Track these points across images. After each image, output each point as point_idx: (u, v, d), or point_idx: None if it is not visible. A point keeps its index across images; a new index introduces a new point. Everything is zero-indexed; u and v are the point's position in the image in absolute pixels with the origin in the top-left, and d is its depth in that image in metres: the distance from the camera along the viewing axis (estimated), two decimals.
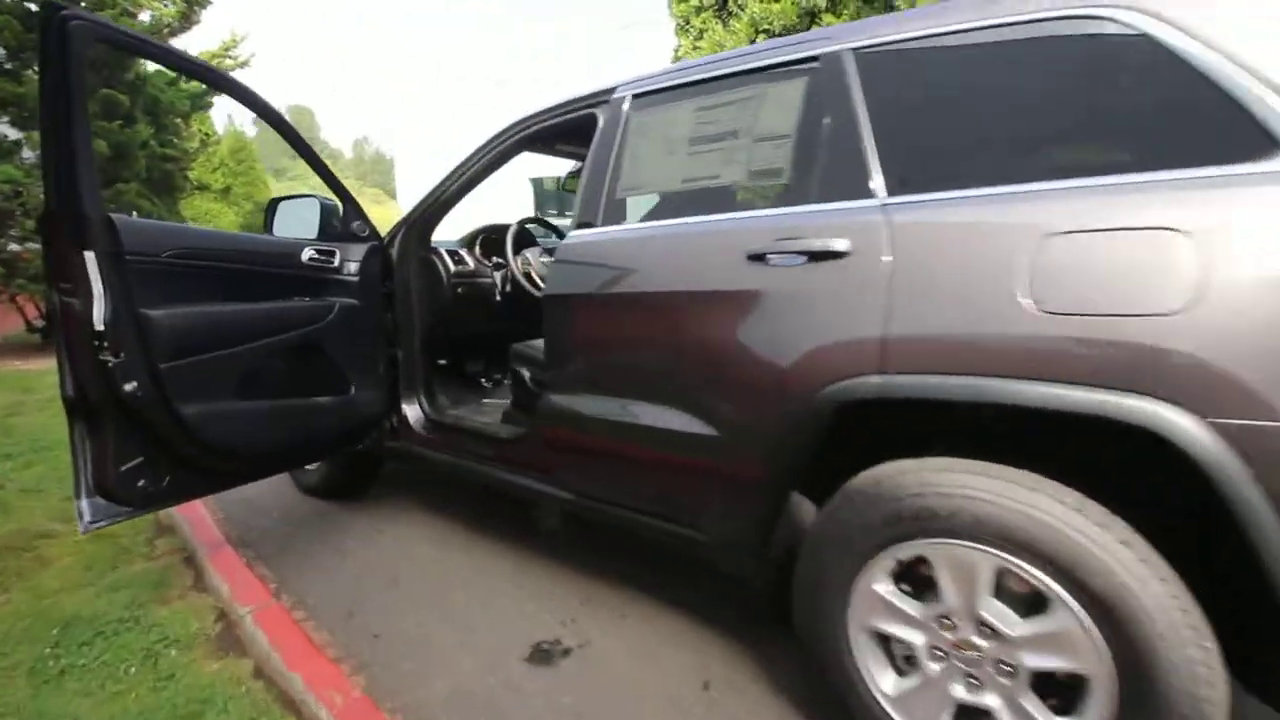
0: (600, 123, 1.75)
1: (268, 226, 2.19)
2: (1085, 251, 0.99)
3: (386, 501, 2.65)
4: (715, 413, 1.39)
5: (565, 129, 1.94)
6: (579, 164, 2.60)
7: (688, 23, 8.34)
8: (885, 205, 1.20)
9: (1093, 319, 0.97)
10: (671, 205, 1.58)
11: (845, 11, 6.93)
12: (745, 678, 1.57)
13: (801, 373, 1.24)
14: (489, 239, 2.63)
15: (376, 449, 2.36)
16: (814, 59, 1.38)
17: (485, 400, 2.69)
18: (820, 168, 1.33)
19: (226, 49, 8.54)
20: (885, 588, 1.22)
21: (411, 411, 2.32)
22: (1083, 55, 1.09)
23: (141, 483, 1.57)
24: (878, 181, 1.24)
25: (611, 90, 1.76)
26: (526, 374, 2.17)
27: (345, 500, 2.66)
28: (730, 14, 7.89)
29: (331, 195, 2.20)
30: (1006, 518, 1.06)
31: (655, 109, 1.65)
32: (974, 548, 1.10)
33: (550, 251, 2.62)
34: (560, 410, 1.70)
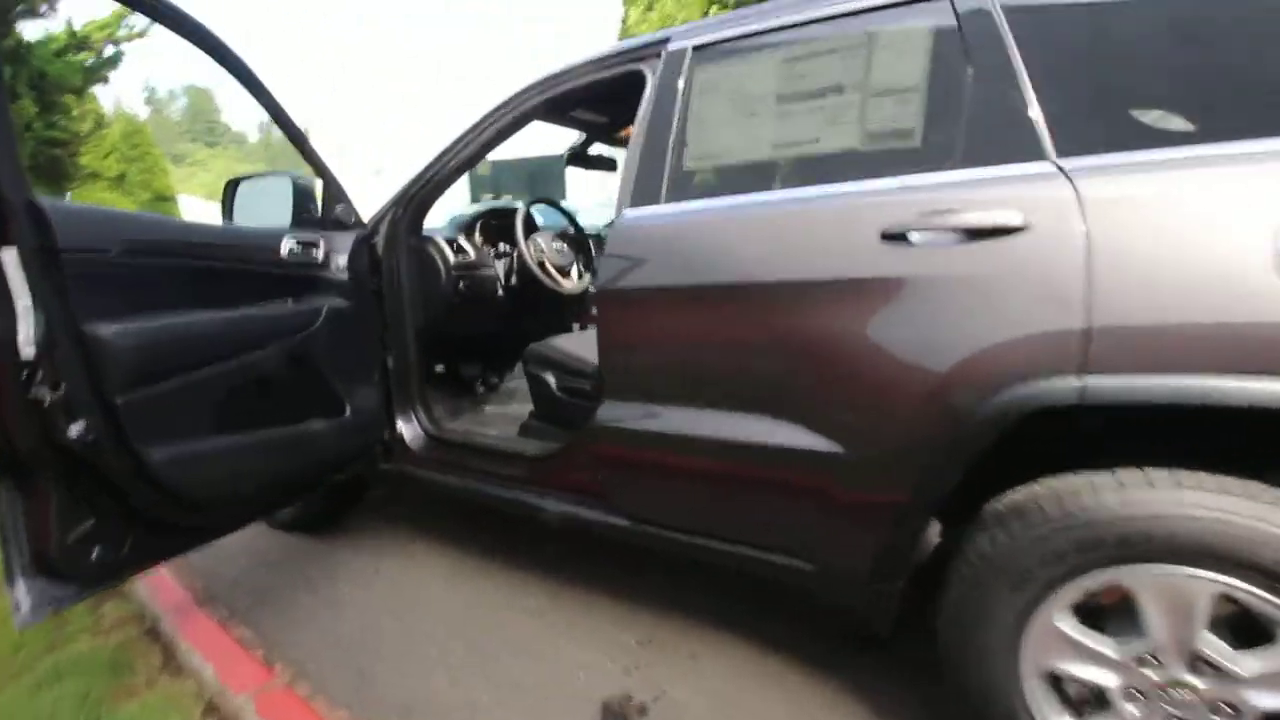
0: (652, 81, 1.47)
1: (227, 212, 1.79)
2: None
3: (376, 532, 2.30)
4: (839, 425, 1.17)
5: (596, 91, 1.66)
6: (584, 136, 2.30)
7: None
8: (1067, 169, 1.00)
9: None
10: (756, 175, 1.33)
11: None
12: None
13: (966, 375, 1.03)
14: (489, 224, 2.30)
15: (367, 474, 2.02)
16: None
17: (487, 408, 2.38)
18: (964, 126, 1.11)
19: (120, 16, 7.55)
20: (1068, 623, 1.04)
21: (408, 429, 1.99)
22: None
23: (96, 552, 1.20)
24: (1044, 140, 1.03)
25: (663, 42, 1.48)
26: (552, 380, 1.89)
27: (322, 534, 2.29)
28: None
29: (296, 171, 1.83)
30: (1245, 539, 0.88)
31: (728, 61, 1.38)
32: (1195, 574, 0.93)
33: (563, 236, 2.32)
34: (622, 424, 1.43)
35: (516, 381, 2.59)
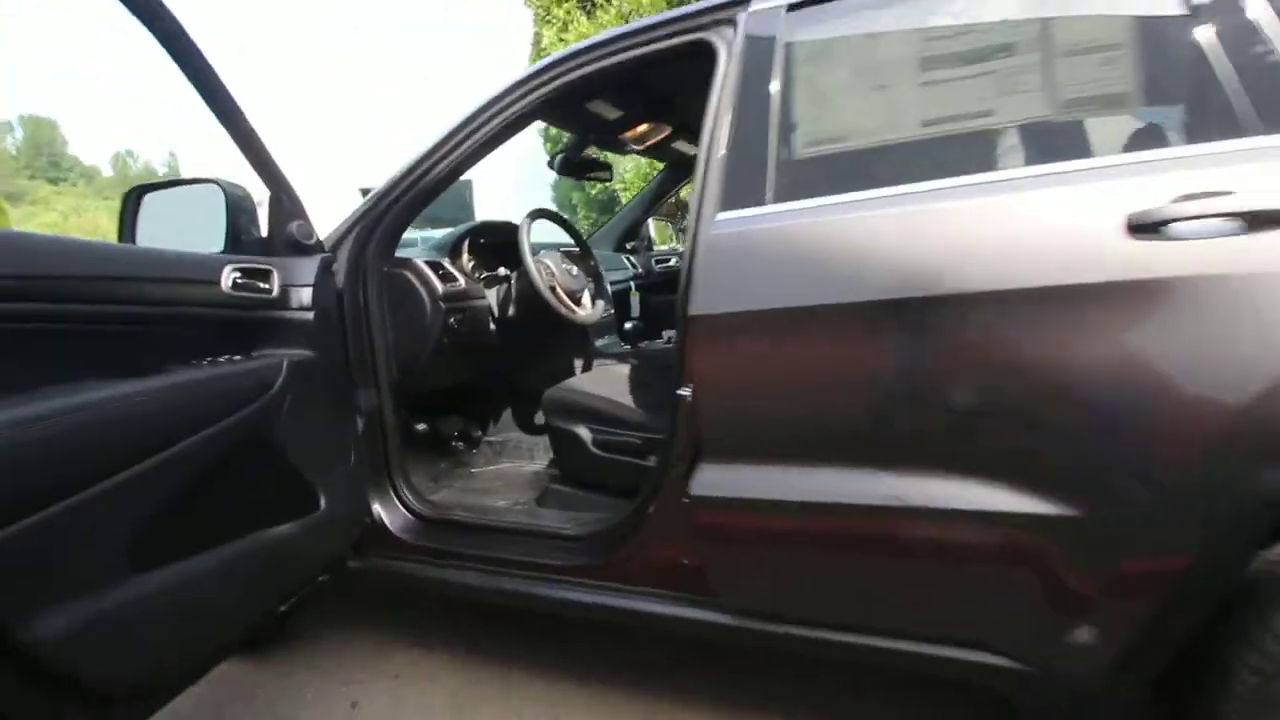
0: (729, 53, 1.15)
1: (127, 232, 1.28)
2: None
3: (338, 645, 1.75)
4: (1077, 480, 0.88)
5: (635, 71, 1.32)
6: (577, 138, 1.94)
7: (549, 13, 7.75)
8: None
9: None
10: (903, 161, 1.04)
11: None
12: None
13: (1276, 407, 0.78)
14: (478, 243, 1.87)
15: (335, 571, 1.52)
16: None
17: (473, 470, 1.93)
18: (1202, 91, 0.87)
19: None
20: None
21: (387, 510, 1.53)
22: None
23: None
24: None
25: (739, 3, 1.17)
26: (586, 434, 1.50)
27: (267, 651, 1.73)
28: (595, 5, 7.43)
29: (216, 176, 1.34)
30: None
31: (839, 20, 1.09)
32: None
33: (571, 256, 1.93)
34: (738, 493, 1.08)
35: (505, 434, 2.15)
